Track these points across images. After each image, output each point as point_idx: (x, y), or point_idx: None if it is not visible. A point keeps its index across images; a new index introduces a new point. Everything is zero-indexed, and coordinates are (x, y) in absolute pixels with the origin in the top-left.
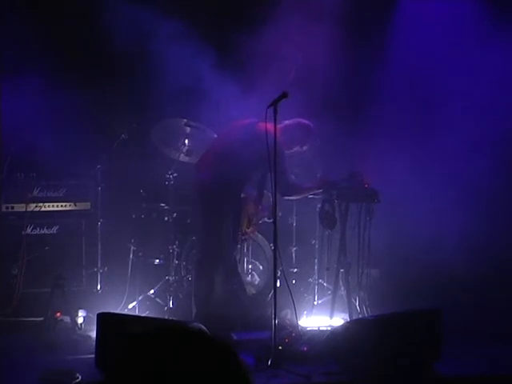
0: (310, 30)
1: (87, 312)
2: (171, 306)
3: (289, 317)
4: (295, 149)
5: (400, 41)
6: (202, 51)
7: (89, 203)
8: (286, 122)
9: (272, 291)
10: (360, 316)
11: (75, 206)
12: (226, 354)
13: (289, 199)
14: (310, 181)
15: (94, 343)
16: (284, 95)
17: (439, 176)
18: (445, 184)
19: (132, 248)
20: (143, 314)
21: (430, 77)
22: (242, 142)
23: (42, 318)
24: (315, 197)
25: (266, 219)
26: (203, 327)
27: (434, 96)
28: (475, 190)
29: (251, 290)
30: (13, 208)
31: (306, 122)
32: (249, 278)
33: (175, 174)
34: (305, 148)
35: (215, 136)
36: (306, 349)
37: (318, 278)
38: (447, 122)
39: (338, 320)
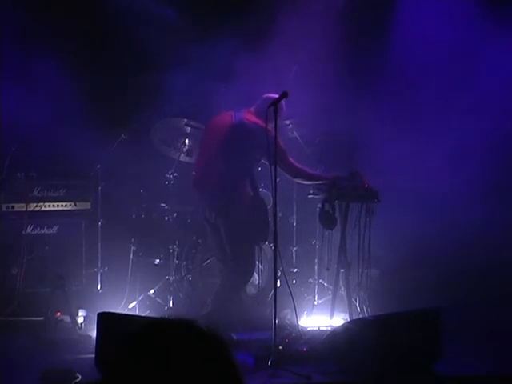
0: (311, 30)
1: (87, 312)
2: (171, 305)
3: (289, 317)
4: (273, 124)
5: (400, 40)
6: (201, 51)
7: (89, 203)
8: (254, 106)
9: (272, 291)
10: (360, 316)
11: (75, 205)
12: (221, 351)
13: (300, 183)
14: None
15: (94, 343)
16: (284, 95)
17: (439, 175)
18: (445, 183)
19: (132, 248)
20: (143, 314)
21: (431, 75)
22: (241, 139)
23: (42, 318)
24: (315, 197)
25: None
26: (202, 326)
27: (438, 93)
28: (476, 189)
29: (251, 290)
30: (13, 208)
31: (272, 94)
32: None
33: (175, 174)
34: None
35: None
36: (305, 349)
37: (319, 278)
38: (448, 120)
39: (338, 320)
